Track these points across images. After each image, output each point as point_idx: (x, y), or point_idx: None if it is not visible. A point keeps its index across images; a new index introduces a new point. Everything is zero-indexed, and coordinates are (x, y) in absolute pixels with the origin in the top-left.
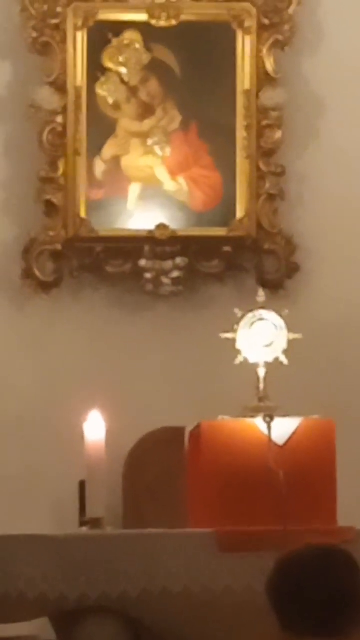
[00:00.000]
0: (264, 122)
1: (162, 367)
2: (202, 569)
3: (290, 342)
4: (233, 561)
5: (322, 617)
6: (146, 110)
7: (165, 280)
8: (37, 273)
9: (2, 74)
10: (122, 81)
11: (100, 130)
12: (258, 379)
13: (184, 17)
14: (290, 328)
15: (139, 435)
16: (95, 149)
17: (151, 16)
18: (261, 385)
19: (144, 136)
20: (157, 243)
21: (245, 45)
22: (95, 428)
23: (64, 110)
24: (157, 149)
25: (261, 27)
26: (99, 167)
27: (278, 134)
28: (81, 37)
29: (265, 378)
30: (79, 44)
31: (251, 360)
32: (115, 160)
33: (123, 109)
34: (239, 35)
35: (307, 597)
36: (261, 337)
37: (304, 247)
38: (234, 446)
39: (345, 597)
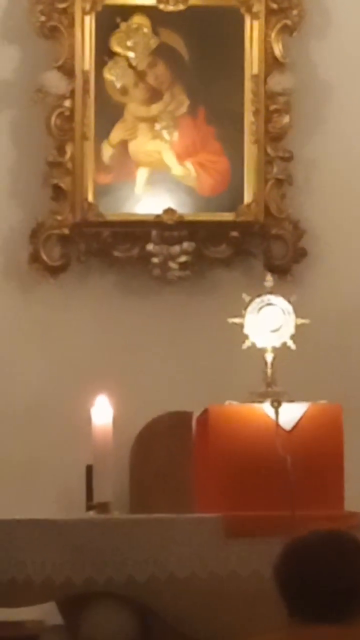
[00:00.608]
0: (272, 107)
1: (169, 351)
2: (209, 554)
3: (297, 327)
4: (240, 546)
5: (329, 602)
6: (154, 95)
7: (172, 265)
8: (45, 257)
9: (10, 59)
10: (130, 65)
11: (108, 115)
12: (266, 364)
13: (192, 2)
14: (297, 313)
15: (146, 420)
16: (103, 134)
17: (159, 0)
18: (269, 371)
19: (151, 121)
20: (165, 228)
21: (253, 30)
22: (102, 413)
23: (71, 95)
24: (164, 133)
25: (269, 12)
26: (107, 151)
27: (286, 119)
28: (89, 22)
29: (272, 363)
30: (86, 28)
31: (259, 345)
32: (123, 144)
33: (131, 93)
34: (247, 20)
35: (314, 583)
36: (269, 322)
37: (312, 232)
38: (241, 431)
39: (352, 582)
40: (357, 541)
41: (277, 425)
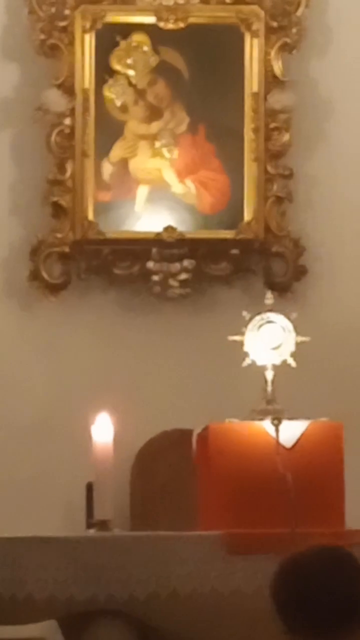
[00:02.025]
0: (272, 125)
1: (169, 369)
2: (210, 571)
3: (298, 345)
4: (242, 563)
5: (326, 618)
6: (154, 113)
7: (172, 282)
8: (45, 275)
9: (10, 76)
10: (130, 83)
11: (108, 133)
12: (266, 381)
13: (192, 20)
14: (298, 331)
15: (147, 437)
16: (103, 151)
17: (159, 19)
18: (269, 388)
19: (151, 138)
20: (165, 245)
21: (253, 48)
22: (103, 430)
23: (71, 113)
24: (165, 151)
25: (269, 30)
26: (107, 169)
27: (286, 137)
28: (89, 40)
29: (273, 381)
30: (86, 46)
31: (259, 363)
32: (123, 162)
33: (131, 111)
34: (247, 38)
35: (310, 599)
36: (269, 339)
37: (312, 250)
38: (241, 449)
39: (348, 597)
40: (352, 555)
41: (278, 442)
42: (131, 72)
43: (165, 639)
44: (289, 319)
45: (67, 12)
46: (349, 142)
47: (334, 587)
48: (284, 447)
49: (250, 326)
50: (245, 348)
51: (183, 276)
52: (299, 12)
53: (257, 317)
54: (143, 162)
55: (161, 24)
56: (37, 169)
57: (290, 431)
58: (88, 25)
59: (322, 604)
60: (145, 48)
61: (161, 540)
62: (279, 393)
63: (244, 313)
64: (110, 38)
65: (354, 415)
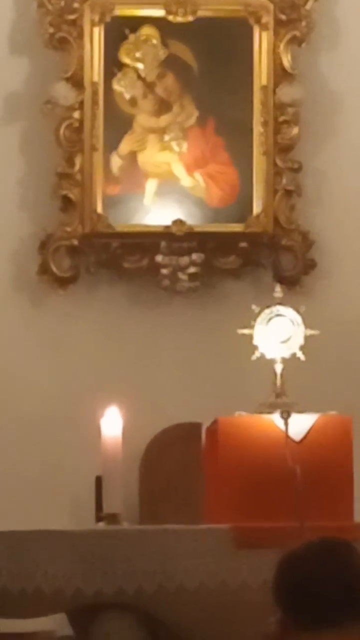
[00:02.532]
0: (281, 118)
1: (178, 363)
2: (218, 565)
3: (307, 338)
4: (249, 557)
5: (326, 608)
6: (163, 106)
7: (181, 276)
8: (54, 269)
9: (19, 70)
10: (139, 77)
11: (117, 126)
12: (275, 375)
13: (201, 13)
14: (307, 324)
15: (156, 431)
16: (112, 145)
17: (168, 12)
18: (278, 381)
19: (160, 132)
20: (174, 239)
21: (262, 41)
22: (112, 424)
23: (80, 106)
24: (174, 144)
25: (278, 23)
26: (116, 162)
27: (295, 130)
28: (98, 33)
29: (282, 374)
30: (95, 39)
31: (268, 356)
32: (132, 156)
33: (140, 104)
34: (256, 31)
35: (309, 590)
36: (278, 333)
37: (321, 243)
38: (250, 442)
39: (348, 587)
40: (350, 545)
41: (287, 436)
42: (140, 66)
43: (172, 632)
44: (298, 312)
45: (76, 5)
46: (358, 135)
47: (331, 574)
48: (293, 440)
49: (259, 319)
50: (255, 341)
51: (192, 270)
52: (308, 6)
53: (266, 311)
54: (152, 156)
55: (170, 17)
56: (46, 163)
57: (300, 424)
58: (97, 18)
59: (320, 596)
60: (154, 41)
61: (169, 534)
62: (288, 386)
63: (253, 306)
64: (119, 31)
65: None
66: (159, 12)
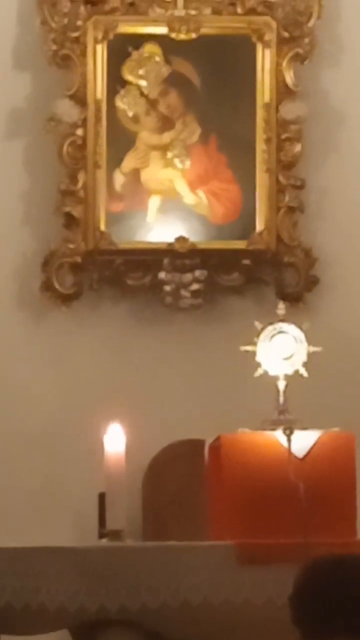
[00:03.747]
0: (284, 135)
1: (181, 379)
2: (222, 581)
3: (310, 355)
4: (253, 574)
5: (345, 621)
6: (166, 123)
7: (184, 293)
8: (57, 285)
9: (22, 87)
10: (142, 94)
11: (120, 143)
12: (278, 391)
13: (203, 30)
14: (310, 341)
15: (159, 447)
16: (115, 162)
17: (171, 29)
18: (281, 398)
19: (163, 149)
20: (177, 256)
21: (265, 58)
22: (115, 440)
23: (83, 123)
24: (176, 161)
25: (281, 41)
26: (119, 179)
27: (298, 147)
28: (101, 50)
29: (285, 391)
30: (98, 56)
31: (271, 373)
32: (135, 173)
33: (143, 121)
34: (259, 48)
35: (328, 607)
36: (281, 349)
37: (324, 260)
38: (253, 459)
39: None
40: None
41: (290, 452)
42: (143, 83)
43: None
44: (301, 329)
45: (79, 22)
46: None
47: (352, 594)
48: (296, 457)
49: (262, 336)
50: (258, 358)
51: (195, 287)
52: (311, 23)
53: (269, 328)
54: (155, 173)
55: (173, 35)
56: (49, 180)
57: (302, 441)
58: (100, 35)
59: (339, 612)
60: (157, 59)
61: (172, 550)
62: (291, 403)
63: (256, 323)
64: (122, 48)
65: None
66: (162, 30)
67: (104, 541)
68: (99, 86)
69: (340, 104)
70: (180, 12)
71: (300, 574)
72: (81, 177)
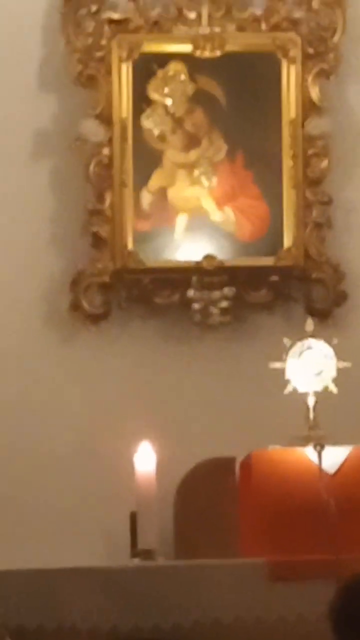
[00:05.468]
0: (310, 151)
1: (211, 397)
2: (253, 599)
3: (339, 371)
4: (285, 591)
5: None
6: (192, 141)
7: (213, 310)
8: (85, 305)
9: (48, 107)
10: (168, 112)
11: (146, 162)
12: (308, 408)
13: (228, 48)
14: (339, 356)
15: (190, 466)
16: (141, 181)
17: (196, 47)
18: (311, 414)
19: (190, 167)
20: (205, 273)
21: (290, 74)
22: (145, 459)
23: (109, 142)
24: (203, 179)
25: (306, 56)
26: (146, 198)
27: (324, 163)
28: (126, 69)
29: (315, 407)
30: (123, 76)
31: (300, 390)
32: (162, 191)
33: (169, 140)
34: (284, 64)
35: None
36: (310, 366)
37: (352, 275)
38: (284, 475)
39: None
40: None
41: (320, 469)
42: (168, 101)
43: None
44: (330, 345)
45: (103, 42)
46: None
47: None
48: (326, 473)
49: (291, 353)
50: (287, 375)
51: (223, 304)
52: (336, 39)
53: (298, 344)
54: (182, 191)
55: (197, 53)
56: (76, 200)
57: (333, 457)
58: (125, 54)
59: None
60: (182, 77)
61: (204, 569)
62: (321, 419)
63: (285, 340)
64: (147, 67)
65: None
66: (186, 48)
67: (136, 561)
68: (124, 105)
69: None
70: (204, 29)
71: (337, 592)
72: (108, 196)
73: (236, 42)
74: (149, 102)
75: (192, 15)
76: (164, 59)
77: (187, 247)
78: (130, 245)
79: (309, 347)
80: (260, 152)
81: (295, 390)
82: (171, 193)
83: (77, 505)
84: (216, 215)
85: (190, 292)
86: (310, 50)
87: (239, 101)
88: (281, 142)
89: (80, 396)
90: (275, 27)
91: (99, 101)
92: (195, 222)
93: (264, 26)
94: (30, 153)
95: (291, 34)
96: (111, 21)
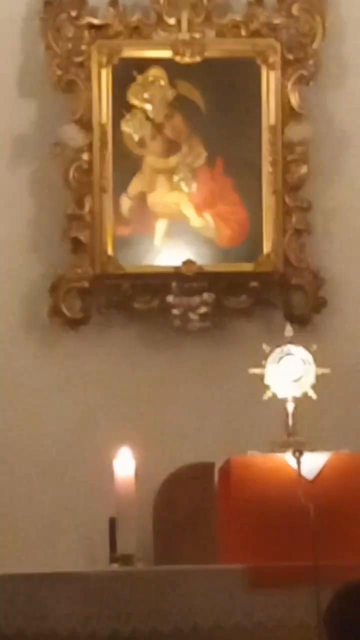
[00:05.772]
0: (290, 157)
1: (190, 403)
2: (233, 605)
3: (318, 377)
4: (264, 597)
5: None
6: (171, 147)
7: (192, 316)
8: (65, 310)
9: (28, 113)
10: (147, 118)
11: (126, 167)
12: (287, 414)
13: (208, 54)
14: (318, 363)
15: (169, 471)
16: (121, 186)
17: (175, 53)
18: (290, 420)
19: (169, 172)
20: (184, 279)
21: (269, 80)
22: (124, 465)
23: (89, 148)
24: (183, 185)
25: (285, 63)
26: (125, 204)
27: (304, 169)
28: (106, 75)
29: (294, 413)
30: (103, 81)
31: (280, 396)
32: (142, 196)
33: (148, 145)
34: (264, 70)
35: None
36: (289, 372)
37: (331, 282)
38: (263, 481)
39: None
40: None
41: (299, 475)
42: (148, 107)
43: None
44: (309, 351)
45: (83, 47)
46: None
47: None
48: (305, 479)
49: (270, 359)
50: (266, 381)
51: (203, 310)
52: (315, 45)
53: (278, 350)
54: (161, 197)
55: (177, 58)
56: (56, 205)
57: (312, 463)
58: (105, 60)
59: None
60: (162, 82)
61: (183, 574)
62: (300, 425)
63: (264, 346)
64: (126, 73)
65: None
66: (166, 53)
67: (115, 566)
68: (104, 110)
69: (346, 125)
70: (184, 35)
71: (332, 598)
72: (87, 201)
73: (216, 48)
74: (128, 107)
75: (171, 21)
76: (143, 65)
77: (166, 252)
78: (109, 251)
79: (288, 353)
80: (239, 158)
81: (274, 396)
82: (151, 199)
83: (56, 511)
84: (196, 221)
85: (170, 298)
86: (290, 57)
87: (219, 107)
88: (261, 148)
89: (59, 401)
90: (254, 33)
91: (79, 106)
92: (175, 227)
93: (243, 32)
94: (9, 158)
95: (271, 40)
96: (91, 26)
